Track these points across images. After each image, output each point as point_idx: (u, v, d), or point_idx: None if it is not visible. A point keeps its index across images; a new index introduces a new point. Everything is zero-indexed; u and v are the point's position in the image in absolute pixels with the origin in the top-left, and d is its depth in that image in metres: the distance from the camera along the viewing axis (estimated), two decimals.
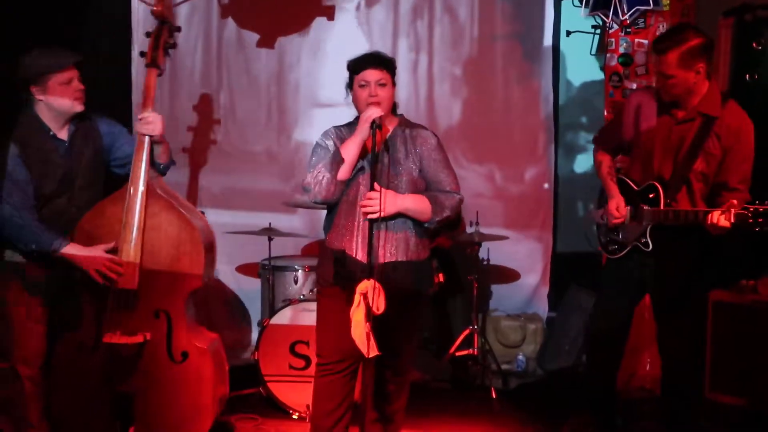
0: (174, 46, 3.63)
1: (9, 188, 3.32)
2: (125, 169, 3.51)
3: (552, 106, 5.84)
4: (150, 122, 3.42)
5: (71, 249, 3.32)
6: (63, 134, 3.48)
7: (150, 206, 3.41)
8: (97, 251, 3.33)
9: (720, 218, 3.36)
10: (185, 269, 3.42)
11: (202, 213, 3.97)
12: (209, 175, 5.82)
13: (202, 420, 3.43)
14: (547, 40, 5.80)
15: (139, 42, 5.69)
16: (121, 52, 5.59)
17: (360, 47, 3.79)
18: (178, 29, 3.67)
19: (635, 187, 3.75)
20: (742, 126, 3.56)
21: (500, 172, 5.86)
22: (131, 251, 3.36)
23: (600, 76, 5.39)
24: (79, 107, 3.43)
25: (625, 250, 3.77)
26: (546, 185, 5.89)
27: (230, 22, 5.80)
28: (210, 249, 3.51)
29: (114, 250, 3.35)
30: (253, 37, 5.81)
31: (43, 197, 3.40)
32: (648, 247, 3.67)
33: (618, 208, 3.73)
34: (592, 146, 4.12)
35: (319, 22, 5.79)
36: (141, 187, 3.40)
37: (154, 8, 3.54)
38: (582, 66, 5.83)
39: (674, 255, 3.67)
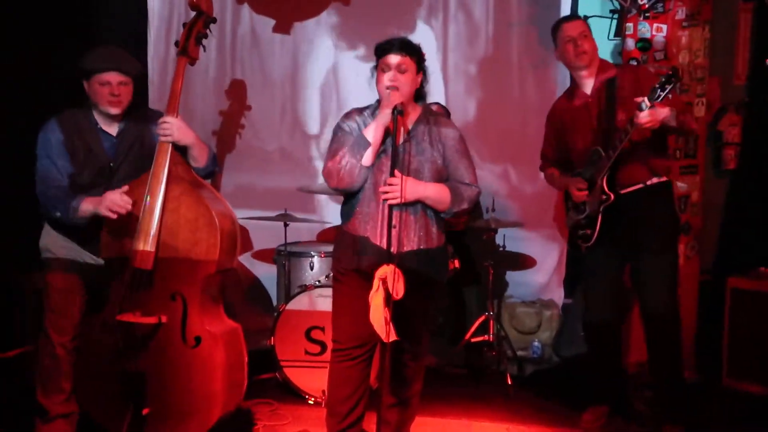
0: (206, 36, 3.65)
1: (46, 161, 3.48)
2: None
3: None
4: (165, 128, 3.46)
5: (87, 202, 3.40)
6: (112, 129, 3.60)
7: (169, 192, 3.43)
8: (110, 193, 3.37)
9: (641, 115, 3.52)
10: (201, 254, 3.42)
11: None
12: (223, 173, 5.81)
13: (212, 406, 3.41)
14: None
15: (154, 36, 5.77)
16: (138, 46, 5.61)
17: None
18: (214, 20, 3.70)
19: (582, 169, 3.98)
20: (638, 70, 4.14)
21: (515, 170, 5.82)
22: (149, 234, 3.39)
23: None
24: (112, 110, 3.52)
25: (597, 225, 3.90)
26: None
27: (244, 19, 5.79)
28: (228, 236, 3.49)
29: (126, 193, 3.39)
30: (268, 33, 5.80)
31: (79, 185, 3.49)
32: (610, 199, 3.84)
33: (576, 182, 3.97)
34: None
35: (334, 20, 5.78)
36: (159, 174, 3.43)
37: (191, 1, 3.60)
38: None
39: (637, 216, 3.84)
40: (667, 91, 3.44)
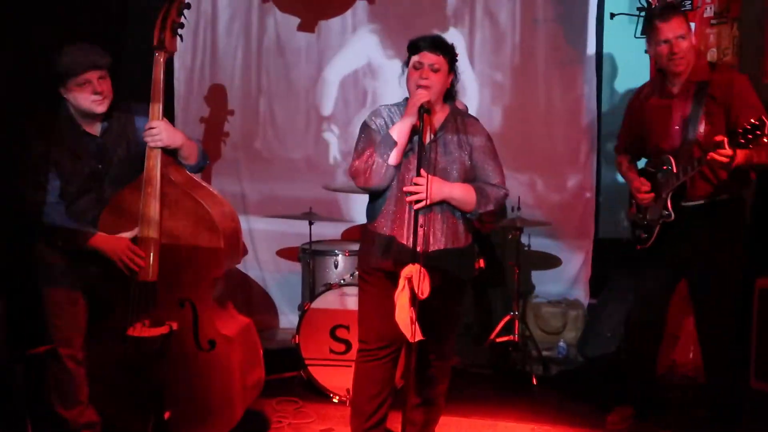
0: (182, 25, 3.38)
1: (32, 174, 3.35)
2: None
3: (595, 113, 5.75)
4: (154, 134, 3.30)
5: (97, 240, 3.32)
6: (95, 130, 3.45)
7: (166, 196, 3.32)
8: (122, 239, 3.31)
9: (716, 157, 3.36)
10: (205, 258, 3.34)
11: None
12: (249, 183, 5.85)
13: (234, 408, 3.41)
14: (591, 47, 5.71)
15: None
16: (146, 46, 5.58)
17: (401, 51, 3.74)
18: (188, 6, 3.42)
19: (652, 170, 3.87)
20: (734, 79, 3.68)
21: (542, 179, 5.80)
22: (148, 244, 3.31)
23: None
24: (98, 108, 3.37)
25: (655, 233, 3.81)
26: (588, 194, 5.82)
27: (270, 28, 5.81)
28: (230, 235, 3.42)
29: (135, 238, 3.32)
30: (293, 41, 5.82)
31: (70, 194, 3.40)
32: (670, 217, 3.72)
33: (642, 185, 3.85)
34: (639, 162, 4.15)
35: (360, 27, 5.80)
36: (153, 184, 3.31)
37: None
38: (627, 70, 5.75)
39: (701, 232, 3.71)
40: (750, 141, 3.26)
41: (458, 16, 5.77)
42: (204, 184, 3.57)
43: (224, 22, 5.79)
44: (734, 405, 3.86)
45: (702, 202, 3.70)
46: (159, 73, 3.31)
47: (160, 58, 3.32)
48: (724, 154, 3.32)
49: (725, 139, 3.31)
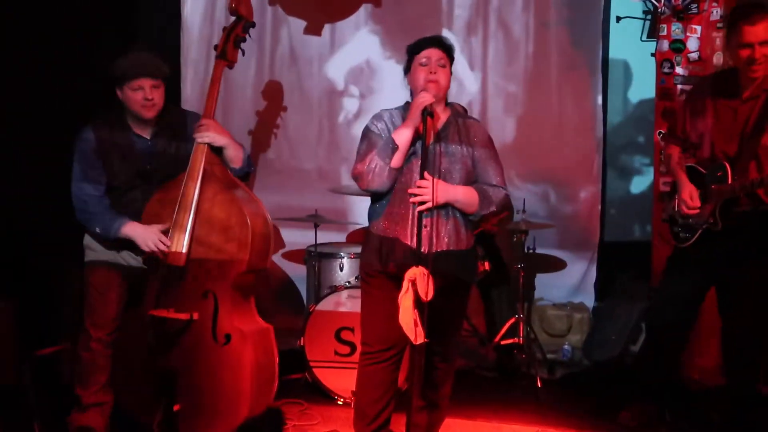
0: (244, 40, 3.70)
1: (80, 176, 3.59)
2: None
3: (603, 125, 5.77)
4: (202, 130, 3.56)
5: (129, 228, 3.53)
6: (146, 132, 3.66)
7: (204, 191, 3.51)
8: (152, 229, 3.50)
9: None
10: (232, 253, 3.47)
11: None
12: (260, 192, 5.80)
13: (239, 405, 3.43)
14: (604, 53, 5.73)
15: (186, 41, 5.81)
16: (172, 50, 5.67)
17: None
18: (253, 25, 3.74)
19: (703, 171, 3.75)
20: None
21: (555, 191, 5.81)
22: (181, 230, 3.48)
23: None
24: (145, 114, 3.58)
25: (696, 235, 3.75)
26: (600, 207, 5.84)
27: (284, 39, 5.81)
28: (260, 236, 3.53)
29: (167, 230, 3.50)
30: (306, 52, 5.84)
31: (117, 189, 3.61)
32: (717, 226, 3.64)
33: (692, 196, 3.73)
34: (646, 168, 4.10)
35: (371, 36, 5.82)
36: (195, 172, 3.53)
37: (231, 5, 3.68)
38: (639, 83, 5.77)
39: (745, 239, 3.64)
40: None
41: (471, 27, 5.78)
42: (243, 185, 3.68)
43: None
44: (751, 412, 3.84)
45: (747, 209, 3.61)
46: (217, 78, 3.63)
47: (220, 66, 3.65)
48: None
49: None
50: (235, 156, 3.62)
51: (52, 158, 4.17)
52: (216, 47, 3.68)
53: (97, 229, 3.57)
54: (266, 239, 3.59)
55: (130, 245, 3.57)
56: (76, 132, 3.63)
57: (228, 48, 3.65)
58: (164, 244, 3.46)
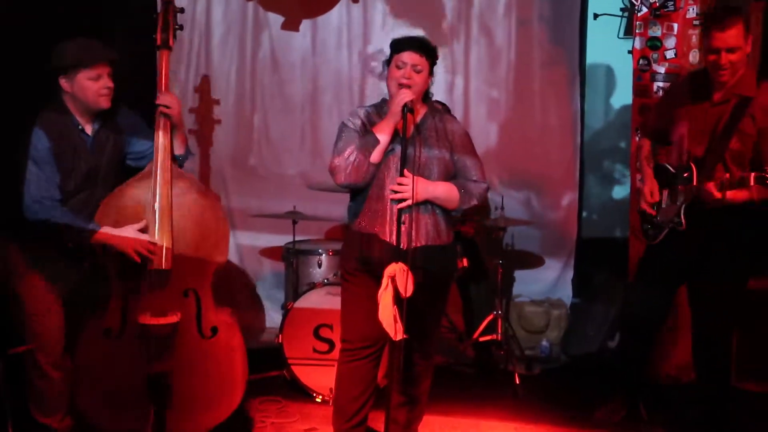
0: (181, 27, 3.63)
1: (38, 180, 3.28)
2: (141, 163, 3.54)
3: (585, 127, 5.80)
4: (168, 102, 3.43)
5: (105, 234, 3.32)
6: (89, 129, 3.46)
7: (174, 187, 3.46)
8: (130, 231, 3.34)
9: (709, 188, 3.41)
10: (211, 248, 3.50)
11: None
12: (242, 198, 5.77)
13: (235, 389, 3.56)
14: (587, 60, 5.74)
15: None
16: (146, 43, 5.54)
17: None
18: (182, 10, 3.67)
19: (672, 170, 3.79)
20: None
21: (537, 198, 5.81)
22: (162, 232, 3.40)
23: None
24: (104, 104, 3.39)
25: (663, 234, 3.80)
26: (584, 213, 5.87)
27: (264, 44, 5.75)
28: (226, 224, 3.61)
29: (144, 230, 3.37)
30: (288, 58, 5.78)
31: (67, 192, 3.38)
32: (681, 225, 3.69)
33: (652, 192, 3.82)
34: (628, 173, 4.14)
35: (354, 42, 5.79)
36: (166, 170, 3.44)
37: None
38: (622, 89, 5.78)
39: (709, 238, 3.68)
40: (757, 182, 3.28)
41: (454, 32, 5.76)
42: (193, 177, 3.68)
43: (218, 38, 5.71)
44: (723, 407, 3.88)
45: (712, 208, 3.62)
46: (165, 64, 3.52)
47: (165, 55, 3.53)
48: (716, 198, 3.41)
49: (753, 175, 3.31)
50: (182, 140, 3.53)
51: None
52: (156, 38, 3.54)
53: (67, 238, 3.32)
54: (228, 230, 3.64)
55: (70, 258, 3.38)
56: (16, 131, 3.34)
57: (169, 36, 3.54)
58: (152, 249, 3.33)
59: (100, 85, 3.35)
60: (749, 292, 4.49)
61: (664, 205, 3.81)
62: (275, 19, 5.71)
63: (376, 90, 5.64)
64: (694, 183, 3.62)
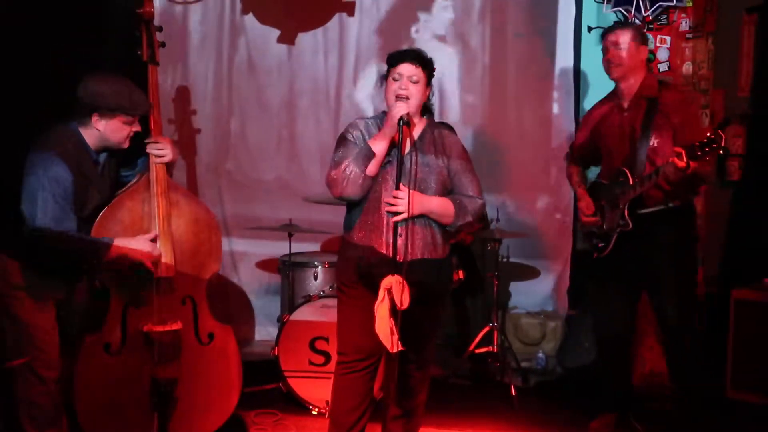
0: (163, 44, 3.72)
1: (57, 211, 3.21)
2: (128, 178, 3.61)
3: (571, 131, 5.68)
4: (161, 148, 3.53)
5: (121, 247, 3.32)
6: (100, 158, 3.47)
7: (170, 196, 3.55)
8: (143, 242, 3.38)
9: (674, 160, 3.53)
10: (206, 255, 3.62)
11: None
12: (222, 204, 5.77)
13: (231, 392, 3.69)
14: (560, 63, 5.73)
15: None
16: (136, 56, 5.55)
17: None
18: (160, 29, 3.75)
19: (605, 182, 4.03)
20: (688, 99, 4.04)
21: (512, 201, 5.80)
22: (166, 241, 3.49)
23: None
24: (125, 146, 3.44)
25: (612, 241, 3.93)
26: (558, 215, 5.84)
27: (241, 48, 5.77)
28: (219, 232, 3.73)
29: (154, 240, 3.45)
30: (265, 62, 5.79)
31: (78, 219, 3.33)
32: (627, 226, 3.85)
33: (588, 206, 4.06)
34: None
35: (332, 47, 5.80)
36: (162, 180, 3.53)
37: (145, 10, 3.60)
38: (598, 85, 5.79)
39: (656, 239, 3.85)
40: (707, 153, 3.44)
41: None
42: (184, 189, 3.82)
43: (196, 41, 5.73)
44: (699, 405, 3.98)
45: (657, 209, 3.84)
46: (156, 80, 3.60)
47: (155, 70, 3.61)
48: (676, 169, 3.53)
49: (683, 151, 3.49)
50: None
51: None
52: (142, 54, 3.62)
53: (83, 258, 3.31)
54: (220, 238, 3.73)
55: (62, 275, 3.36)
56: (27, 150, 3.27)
57: (155, 52, 3.62)
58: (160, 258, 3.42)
59: (131, 130, 3.40)
60: (746, 303, 4.55)
61: (607, 215, 3.97)
62: (252, 24, 5.73)
63: (353, 95, 5.72)
64: (630, 183, 3.81)
